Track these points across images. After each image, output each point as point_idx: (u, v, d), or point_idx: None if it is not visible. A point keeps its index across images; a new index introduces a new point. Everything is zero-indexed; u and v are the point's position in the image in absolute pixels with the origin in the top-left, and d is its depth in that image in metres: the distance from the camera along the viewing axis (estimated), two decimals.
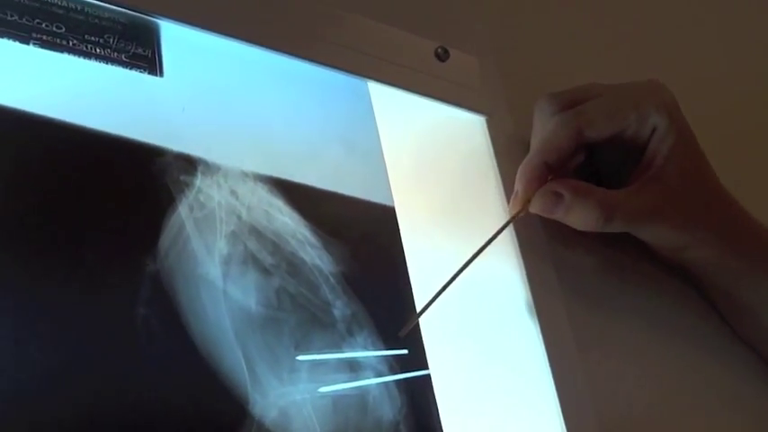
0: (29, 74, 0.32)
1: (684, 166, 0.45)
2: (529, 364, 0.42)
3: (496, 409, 0.39)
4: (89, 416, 0.27)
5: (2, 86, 0.31)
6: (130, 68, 0.35)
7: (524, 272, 0.44)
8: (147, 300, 0.30)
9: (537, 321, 0.43)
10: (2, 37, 0.32)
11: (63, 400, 0.27)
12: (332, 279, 0.36)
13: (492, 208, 0.46)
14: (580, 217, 0.43)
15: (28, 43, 0.32)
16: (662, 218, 0.45)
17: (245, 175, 0.36)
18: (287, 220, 0.36)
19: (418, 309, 0.39)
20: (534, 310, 0.43)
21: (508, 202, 0.46)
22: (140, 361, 0.29)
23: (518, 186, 0.44)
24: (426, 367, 0.37)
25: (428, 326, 0.39)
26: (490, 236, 0.42)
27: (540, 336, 0.42)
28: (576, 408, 0.41)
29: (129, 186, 0.32)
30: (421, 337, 0.38)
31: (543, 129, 0.46)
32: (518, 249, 0.45)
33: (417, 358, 0.37)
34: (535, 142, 0.46)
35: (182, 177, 0.34)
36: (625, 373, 0.45)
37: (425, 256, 0.41)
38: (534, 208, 0.44)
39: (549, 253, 0.46)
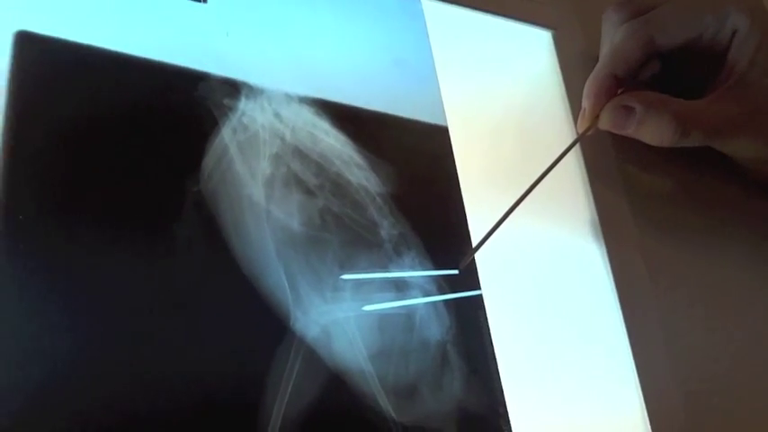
0: (72, 3, 0.33)
1: None
2: (592, 289, 0.40)
3: (554, 334, 0.38)
4: (131, 334, 0.28)
5: (47, 17, 0.32)
6: None
7: (590, 194, 0.42)
8: (190, 220, 0.31)
9: (604, 246, 0.41)
10: None
11: (104, 320, 0.28)
12: (378, 199, 0.36)
13: (558, 128, 0.44)
14: (654, 131, 0.40)
15: None
16: (746, 128, 0.41)
17: (289, 97, 0.36)
18: (332, 142, 0.36)
19: (471, 231, 0.38)
20: (601, 234, 0.42)
21: (576, 122, 0.44)
22: (182, 280, 0.30)
23: (585, 102, 0.42)
24: (478, 287, 0.36)
25: (483, 246, 0.38)
26: (555, 157, 0.40)
27: (607, 262, 0.41)
28: (645, 337, 0.40)
29: (172, 111, 0.33)
30: (473, 258, 0.37)
31: (611, 39, 0.43)
32: (584, 169, 0.43)
33: (469, 278, 0.36)
34: (603, 54, 0.44)
35: (225, 101, 0.34)
36: (701, 305, 0.43)
37: (481, 178, 0.40)
38: (603, 124, 0.41)
39: (619, 174, 0.44)
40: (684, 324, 0.41)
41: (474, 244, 0.37)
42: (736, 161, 0.45)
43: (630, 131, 0.41)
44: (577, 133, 0.43)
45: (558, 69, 0.45)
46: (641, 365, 0.39)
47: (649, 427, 0.37)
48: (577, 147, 0.43)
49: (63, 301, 0.28)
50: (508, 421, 0.34)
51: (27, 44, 0.31)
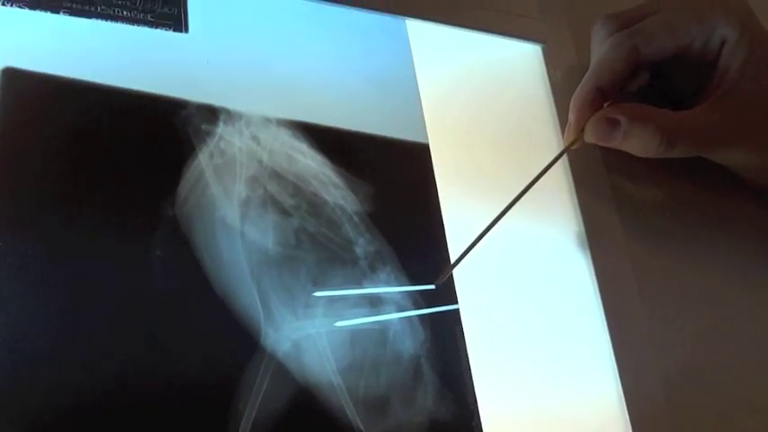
0: (59, 40, 0.35)
1: (761, 80, 0.41)
2: (578, 303, 0.40)
3: (536, 348, 0.38)
4: (106, 352, 0.30)
5: (33, 54, 0.34)
6: (156, 27, 0.37)
7: (578, 206, 0.43)
8: (164, 243, 0.33)
9: (590, 259, 0.41)
10: (34, 9, 0.35)
11: (82, 338, 0.30)
12: (355, 218, 0.37)
13: (547, 144, 0.44)
14: (639, 143, 0.40)
15: (58, 12, 0.35)
16: (735, 138, 0.41)
17: (267, 120, 0.37)
18: (310, 163, 0.37)
19: (450, 247, 0.38)
20: (588, 246, 0.42)
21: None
22: (155, 299, 0.32)
23: (571, 115, 0.42)
24: (455, 302, 0.37)
25: (463, 262, 0.38)
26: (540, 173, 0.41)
27: (593, 275, 0.41)
28: (632, 351, 0.39)
29: (151, 139, 0.35)
30: (451, 273, 0.38)
31: (599, 52, 0.43)
32: (571, 181, 0.43)
33: (445, 293, 0.37)
34: (590, 67, 0.44)
35: (203, 127, 0.36)
36: (692, 322, 0.42)
37: (464, 194, 0.40)
38: (589, 137, 0.42)
39: (608, 184, 0.44)
40: (672, 335, 0.41)
41: (452, 259, 0.38)
42: (732, 170, 0.44)
43: (615, 144, 0.41)
44: (563, 146, 0.43)
45: (548, 83, 0.46)
46: (627, 381, 0.38)
47: None
48: (565, 158, 0.43)
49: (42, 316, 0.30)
50: None
51: (13, 79, 0.33)
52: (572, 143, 0.42)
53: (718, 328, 0.42)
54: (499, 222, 0.39)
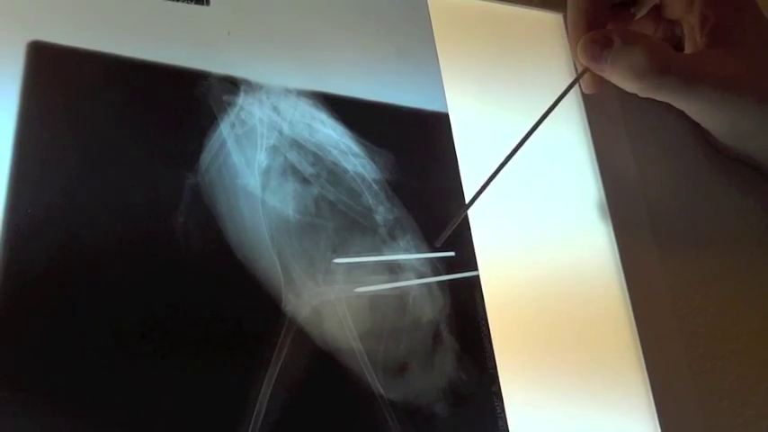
0: (81, 12, 0.36)
1: (759, 30, 0.40)
2: (599, 272, 0.40)
3: (557, 319, 0.38)
4: (132, 316, 0.31)
5: (59, 27, 0.35)
6: (178, 0, 0.38)
7: (598, 173, 0.42)
8: (187, 210, 0.33)
9: (611, 228, 0.41)
10: None
11: (108, 303, 0.31)
12: (375, 186, 0.37)
13: (568, 113, 0.44)
14: (628, 65, 0.37)
15: None
16: (733, 86, 0.38)
17: (287, 91, 0.37)
18: (330, 132, 0.37)
19: (469, 214, 0.39)
20: (609, 215, 0.41)
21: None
22: (178, 264, 0.32)
23: (572, 45, 0.40)
24: (475, 268, 0.37)
25: (484, 228, 0.39)
26: (563, 147, 0.40)
27: (615, 244, 0.41)
28: (652, 306, 0.39)
29: (173, 110, 0.35)
30: (471, 239, 0.38)
31: None
32: (593, 149, 0.43)
33: (465, 260, 0.37)
34: None
35: (224, 97, 0.36)
36: (714, 286, 0.42)
37: (483, 164, 0.40)
38: (581, 56, 0.38)
39: (632, 155, 0.44)
40: (696, 307, 0.41)
41: (471, 227, 0.38)
42: (707, 130, 0.43)
43: (607, 67, 0.38)
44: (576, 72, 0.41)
45: (568, 52, 0.45)
46: (652, 370, 0.38)
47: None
48: (587, 128, 0.43)
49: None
50: (501, 399, 0.35)
51: (39, 52, 0.34)
52: (585, 70, 0.40)
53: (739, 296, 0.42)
54: (521, 194, 0.39)
